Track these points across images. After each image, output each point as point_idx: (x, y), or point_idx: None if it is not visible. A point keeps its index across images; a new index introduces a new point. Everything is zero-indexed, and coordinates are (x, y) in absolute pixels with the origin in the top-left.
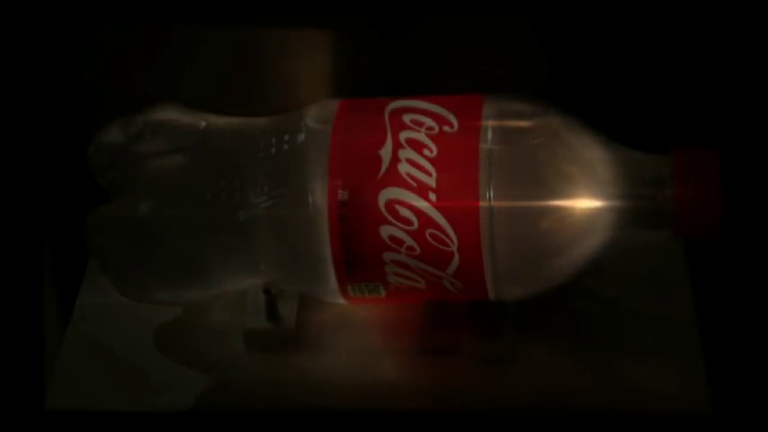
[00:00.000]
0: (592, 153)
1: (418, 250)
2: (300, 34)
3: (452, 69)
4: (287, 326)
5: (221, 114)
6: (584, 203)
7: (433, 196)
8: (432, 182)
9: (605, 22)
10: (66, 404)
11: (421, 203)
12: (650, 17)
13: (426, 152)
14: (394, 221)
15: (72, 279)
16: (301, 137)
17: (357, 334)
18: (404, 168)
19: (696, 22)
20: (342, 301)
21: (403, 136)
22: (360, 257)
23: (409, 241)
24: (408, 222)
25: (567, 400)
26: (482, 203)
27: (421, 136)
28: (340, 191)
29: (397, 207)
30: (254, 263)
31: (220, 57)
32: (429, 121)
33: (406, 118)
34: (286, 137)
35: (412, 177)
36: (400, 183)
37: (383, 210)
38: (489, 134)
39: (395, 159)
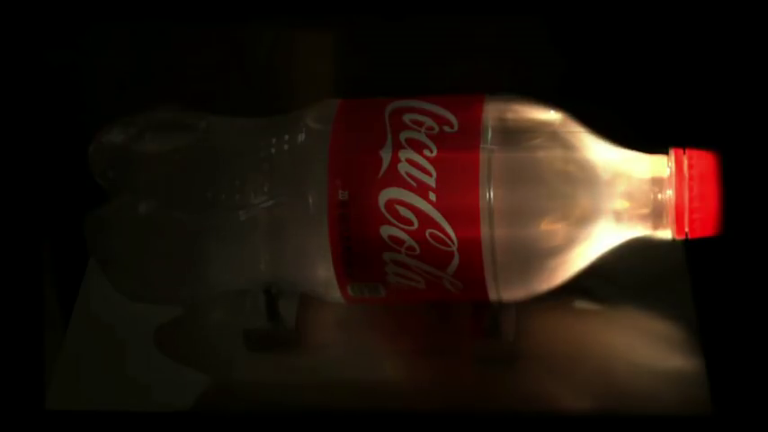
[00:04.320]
0: (591, 153)
1: (418, 250)
2: (300, 34)
3: (452, 69)
4: (287, 326)
5: (221, 114)
6: (584, 204)
7: (432, 196)
8: (432, 182)
9: (605, 22)
10: (66, 404)
11: (421, 203)
12: (649, 17)
13: (426, 152)
14: (394, 221)
15: (72, 279)
16: (301, 137)
17: (357, 334)
18: (404, 168)
19: (696, 23)
20: (342, 301)
21: (403, 136)
22: (360, 257)
23: (409, 241)
24: (408, 222)
25: (567, 401)
26: (482, 203)
27: (421, 136)
28: (340, 191)
29: (397, 207)
30: (254, 263)
31: (220, 57)
32: (429, 121)
33: (406, 118)
34: (286, 137)
35: (412, 177)
36: (400, 183)
37: (383, 210)
38: (489, 134)
39: (395, 159)
